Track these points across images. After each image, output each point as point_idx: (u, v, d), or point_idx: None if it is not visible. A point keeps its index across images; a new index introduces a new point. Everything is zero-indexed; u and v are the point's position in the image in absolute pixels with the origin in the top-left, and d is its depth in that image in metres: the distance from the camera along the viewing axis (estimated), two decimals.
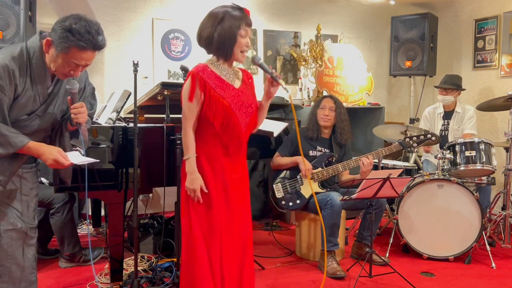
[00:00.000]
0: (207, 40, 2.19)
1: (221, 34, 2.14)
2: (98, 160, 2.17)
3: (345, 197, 3.07)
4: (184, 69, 3.09)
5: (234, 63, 2.29)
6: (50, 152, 1.99)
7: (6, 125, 1.94)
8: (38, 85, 1.99)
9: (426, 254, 3.51)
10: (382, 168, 3.87)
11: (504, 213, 3.71)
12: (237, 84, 2.26)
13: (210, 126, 2.19)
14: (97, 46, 1.96)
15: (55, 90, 2.08)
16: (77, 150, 2.19)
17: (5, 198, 2.05)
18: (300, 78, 5.25)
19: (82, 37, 1.90)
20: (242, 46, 2.18)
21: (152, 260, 3.38)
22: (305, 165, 3.38)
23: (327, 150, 3.56)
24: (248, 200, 2.37)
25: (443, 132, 4.33)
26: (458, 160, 3.63)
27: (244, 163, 2.36)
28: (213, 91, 2.15)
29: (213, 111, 2.16)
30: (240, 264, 2.28)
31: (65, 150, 2.12)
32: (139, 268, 3.10)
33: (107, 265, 3.16)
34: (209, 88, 2.15)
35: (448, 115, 4.33)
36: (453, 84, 4.24)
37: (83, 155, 2.15)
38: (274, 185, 3.49)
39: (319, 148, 3.57)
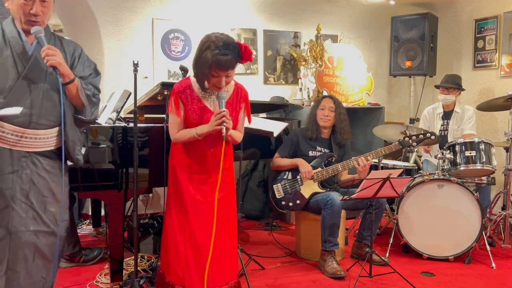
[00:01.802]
0: (192, 64, 2.40)
1: (197, 66, 2.34)
2: (19, 112, 1.94)
3: (345, 197, 3.07)
4: (183, 69, 3.09)
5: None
6: None
7: None
8: (14, 46, 1.98)
9: (426, 254, 3.52)
10: (382, 168, 3.87)
11: (504, 213, 3.71)
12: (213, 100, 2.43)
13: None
14: None
15: (36, 52, 2.02)
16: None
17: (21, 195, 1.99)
18: (300, 78, 5.25)
19: None
20: (214, 83, 2.32)
21: (152, 260, 3.38)
22: (304, 167, 3.40)
23: (326, 150, 3.56)
24: (231, 201, 2.55)
25: (443, 132, 4.32)
26: (458, 160, 3.64)
27: (228, 172, 2.51)
28: (186, 108, 2.42)
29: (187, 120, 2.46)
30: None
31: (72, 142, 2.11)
32: (139, 268, 3.10)
33: (107, 265, 3.16)
34: (185, 104, 2.43)
35: (447, 115, 4.32)
36: (454, 84, 4.23)
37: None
38: (274, 186, 3.49)
39: (318, 148, 3.57)
